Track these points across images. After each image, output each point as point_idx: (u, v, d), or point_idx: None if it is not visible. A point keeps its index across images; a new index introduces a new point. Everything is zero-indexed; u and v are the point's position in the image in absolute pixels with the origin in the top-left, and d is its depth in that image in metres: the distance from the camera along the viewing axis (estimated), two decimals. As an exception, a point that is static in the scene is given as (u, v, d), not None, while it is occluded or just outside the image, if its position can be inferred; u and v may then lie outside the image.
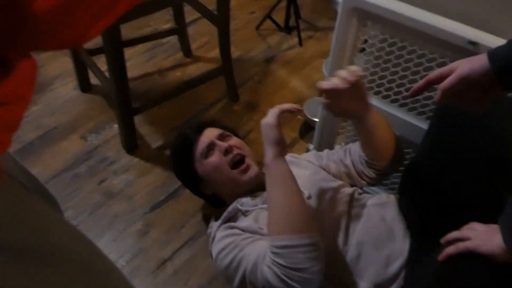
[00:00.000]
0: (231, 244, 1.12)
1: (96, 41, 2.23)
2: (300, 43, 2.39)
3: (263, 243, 1.06)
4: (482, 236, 0.83)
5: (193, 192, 1.46)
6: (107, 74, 1.67)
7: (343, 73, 1.05)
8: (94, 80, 2.06)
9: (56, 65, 2.17)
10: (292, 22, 2.46)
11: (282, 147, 1.09)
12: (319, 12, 2.65)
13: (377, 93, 1.31)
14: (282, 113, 1.10)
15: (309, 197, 1.17)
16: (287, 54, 2.33)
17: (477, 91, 0.81)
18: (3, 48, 0.45)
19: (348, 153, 1.30)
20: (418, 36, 1.12)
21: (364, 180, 1.27)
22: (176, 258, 1.44)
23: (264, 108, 1.91)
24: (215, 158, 1.27)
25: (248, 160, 1.29)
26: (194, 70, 2.19)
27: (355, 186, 1.28)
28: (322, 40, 2.44)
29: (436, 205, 1.07)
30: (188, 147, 1.33)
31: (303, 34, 2.42)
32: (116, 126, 1.86)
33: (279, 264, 0.96)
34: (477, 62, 0.79)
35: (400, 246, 1.09)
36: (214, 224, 1.25)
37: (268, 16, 2.45)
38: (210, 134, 1.33)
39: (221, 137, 1.33)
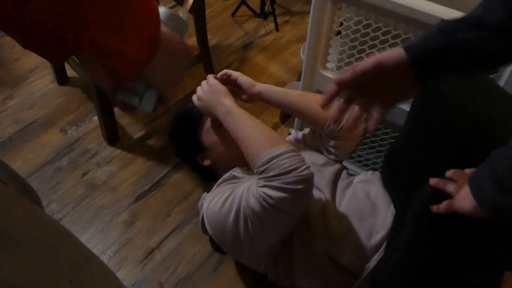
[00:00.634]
0: (222, 191, 1.17)
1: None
2: (277, 28, 2.40)
3: (249, 180, 1.12)
4: (460, 194, 0.83)
5: (188, 163, 1.49)
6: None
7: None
8: (70, 72, 2.04)
9: (31, 58, 2.14)
10: (267, 7, 2.46)
11: (232, 96, 1.22)
12: (294, -4, 2.66)
13: (354, 75, 1.33)
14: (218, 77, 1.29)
15: None
16: (264, 40, 2.33)
17: (394, 83, 0.81)
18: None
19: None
20: (391, 17, 1.14)
21: (331, 152, 1.32)
22: (163, 247, 1.45)
23: (244, 94, 1.92)
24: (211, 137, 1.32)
25: None
26: (172, 59, 2.18)
27: (339, 161, 1.34)
28: (298, 25, 2.45)
29: (416, 181, 1.11)
30: (198, 115, 1.35)
31: (279, 19, 2.43)
32: (96, 118, 1.85)
33: (271, 176, 1.01)
34: (395, 51, 0.78)
35: (383, 219, 1.14)
36: (206, 192, 1.29)
37: (243, 2, 2.44)
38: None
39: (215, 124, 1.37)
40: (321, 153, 1.36)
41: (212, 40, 2.25)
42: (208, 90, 1.24)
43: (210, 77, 1.28)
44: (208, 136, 1.34)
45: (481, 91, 0.99)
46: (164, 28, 0.58)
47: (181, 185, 1.63)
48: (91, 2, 0.48)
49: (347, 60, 1.33)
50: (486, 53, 0.72)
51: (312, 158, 1.31)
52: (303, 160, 1.04)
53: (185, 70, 0.65)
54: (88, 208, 1.56)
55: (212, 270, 1.39)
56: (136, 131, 1.83)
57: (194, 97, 1.29)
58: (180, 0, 1.81)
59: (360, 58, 1.29)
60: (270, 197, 1.00)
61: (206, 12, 1.81)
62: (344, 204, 1.18)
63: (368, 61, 0.81)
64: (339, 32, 1.31)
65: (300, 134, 1.46)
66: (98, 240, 1.47)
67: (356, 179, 1.28)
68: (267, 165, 1.02)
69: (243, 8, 2.48)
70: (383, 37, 1.20)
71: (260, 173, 1.04)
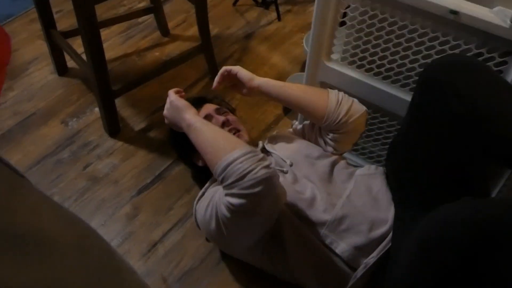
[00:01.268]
0: (207, 196, 1.19)
1: (70, 23, 2.18)
2: (279, 17, 2.37)
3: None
4: None
5: (186, 163, 1.56)
6: (83, 56, 1.63)
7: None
8: (70, 63, 2.01)
9: (30, 49, 2.12)
10: (269, -4, 2.43)
11: (192, 109, 1.23)
12: (296, -15, 2.62)
13: (359, 66, 1.32)
14: (178, 93, 1.30)
15: (291, 165, 1.26)
16: (266, 29, 2.30)
17: None
18: None
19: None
20: (398, 7, 1.12)
21: (329, 144, 1.32)
22: (166, 240, 1.44)
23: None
24: None
25: (242, 133, 1.36)
26: (172, 49, 2.16)
27: (338, 154, 1.33)
28: (300, 14, 2.41)
29: (416, 173, 1.10)
30: None
31: (281, 8, 2.39)
32: (96, 109, 1.83)
33: (230, 184, 1.02)
34: None
35: (384, 215, 1.13)
36: (200, 193, 1.29)
37: (245, -9, 2.41)
38: (209, 107, 1.40)
39: (218, 112, 1.39)
40: (319, 145, 1.35)
41: (213, 30, 2.22)
42: (170, 108, 1.26)
43: (171, 93, 1.29)
44: None
45: (483, 83, 0.98)
46: None
47: (183, 178, 1.61)
48: None
49: (352, 51, 1.31)
50: None
51: (307, 150, 1.31)
52: (260, 160, 1.03)
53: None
54: (90, 201, 1.55)
55: (216, 264, 1.38)
56: (137, 123, 1.81)
57: (164, 112, 1.30)
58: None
59: (366, 50, 1.27)
60: (233, 205, 1.02)
61: (207, 1, 1.77)
62: (344, 196, 1.17)
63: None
64: (343, 23, 1.29)
65: (299, 126, 1.45)
66: (101, 233, 1.43)
67: (358, 171, 1.27)
68: (224, 173, 1.03)
69: (245, -3, 2.45)
70: (390, 28, 1.18)
71: (221, 181, 1.05)
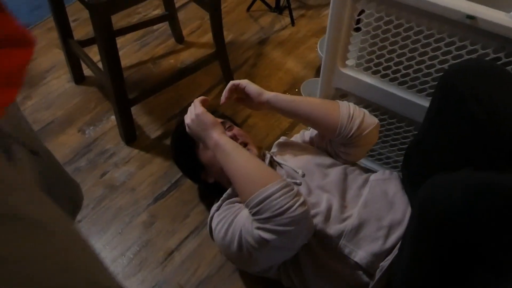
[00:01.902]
0: (226, 215, 1.16)
1: (86, 31, 2.20)
2: (293, 22, 2.36)
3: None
4: None
5: (194, 181, 1.50)
6: (99, 65, 1.65)
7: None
8: (87, 71, 2.04)
9: (47, 58, 2.15)
10: (282, 1, 2.43)
11: (220, 126, 1.21)
12: (310, -11, 2.61)
13: (375, 72, 1.31)
14: (204, 102, 1.27)
15: (303, 175, 1.24)
16: (280, 34, 2.30)
17: None
18: None
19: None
20: (414, 13, 1.11)
21: (340, 157, 1.32)
22: (183, 248, 1.44)
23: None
24: None
25: (250, 146, 1.32)
26: (187, 56, 2.17)
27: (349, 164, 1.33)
28: (314, 18, 2.41)
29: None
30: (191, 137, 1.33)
31: (294, 13, 2.39)
32: (113, 117, 1.85)
33: (265, 219, 1.00)
34: None
35: (401, 217, 1.12)
36: (214, 205, 1.27)
37: (259, -4, 2.41)
38: None
39: (224, 127, 1.33)
40: (330, 155, 1.35)
41: (227, 36, 2.23)
42: (196, 120, 1.23)
43: (197, 104, 1.25)
44: (203, 155, 1.33)
45: (503, 87, 0.96)
46: None
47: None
48: None
49: (367, 57, 1.30)
50: None
51: (319, 158, 1.29)
52: (296, 195, 1.02)
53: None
54: (107, 209, 1.56)
55: (232, 272, 1.38)
56: (153, 131, 1.82)
57: (186, 120, 1.27)
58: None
59: (381, 55, 1.26)
60: (265, 240, 1.01)
61: (221, 8, 1.78)
62: (360, 203, 1.16)
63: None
64: (357, 29, 1.28)
65: (307, 135, 1.44)
66: (118, 241, 1.47)
67: (373, 176, 1.25)
68: (259, 207, 1.01)
69: (258, 3, 2.45)
70: (405, 34, 1.16)
71: (253, 214, 1.04)
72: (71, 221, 0.66)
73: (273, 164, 1.31)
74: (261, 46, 2.23)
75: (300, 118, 1.30)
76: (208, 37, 2.22)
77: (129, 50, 2.20)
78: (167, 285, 1.36)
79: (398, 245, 1.08)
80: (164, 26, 2.28)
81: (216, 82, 2.02)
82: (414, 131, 1.34)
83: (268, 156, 1.32)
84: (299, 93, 1.89)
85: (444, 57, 1.14)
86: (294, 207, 0.99)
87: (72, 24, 1.88)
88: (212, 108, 1.61)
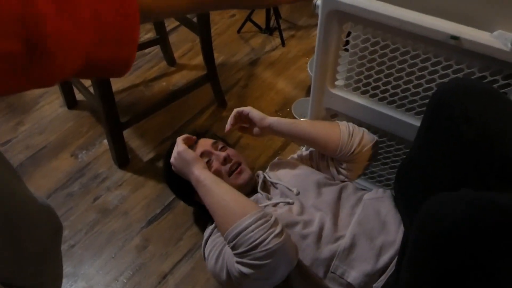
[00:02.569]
0: (217, 244, 1.16)
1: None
2: (283, 43, 2.39)
3: None
4: None
5: (187, 203, 1.49)
6: (91, 89, 1.66)
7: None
8: (79, 96, 2.05)
9: (39, 84, 2.15)
10: (272, 22, 2.46)
11: (200, 162, 1.23)
12: (298, 10, 2.65)
13: (364, 92, 1.32)
14: (187, 140, 1.30)
15: (298, 193, 1.25)
16: (271, 55, 2.33)
17: None
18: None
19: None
20: (399, 34, 1.13)
21: (342, 173, 1.34)
22: (176, 272, 1.44)
23: (253, 112, 1.92)
24: (215, 166, 1.29)
25: (243, 167, 1.33)
26: (179, 78, 2.19)
27: (346, 181, 1.33)
28: (304, 39, 2.44)
29: (426, 197, 1.09)
30: None
31: (284, 34, 2.42)
32: (105, 141, 1.85)
33: (241, 253, 1.01)
34: None
35: (393, 237, 1.12)
36: (208, 229, 1.27)
37: (249, 18, 2.45)
38: (205, 143, 1.35)
39: (216, 147, 1.36)
40: (331, 173, 1.36)
41: (218, 58, 2.25)
42: (178, 158, 1.25)
43: (179, 142, 1.27)
44: None
45: (493, 105, 0.97)
46: None
47: (193, 208, 1.62)
48: None
49: (356, 77, 1.32)
50: None
51: (313, 177, 1.30)
52: (271, 226, 1.01)
53: None
54: (100, 234, 1.56)
55: (227, 294, 1.37)
56: (145, 154, 1.82)
57: (171, 158, 1.29)
58: (187, 22, 1.81)
59: (369, 76, 1.28)
60: (244, 274, 1.02)
61: (212, 30, 1.81)
62: (353, 222, 1.16)
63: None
64: (347, 49, 1.30)
65: (306, 153, 1.45)
66: (111, 266, 1.46)
67: (366, 195, 1.26)
68: (234, 241, 1.02)
69: (249, 24, 2.48)
70: (392, 54, 1.18)
71: (231, 248, 1.05)
72: None
73: (266, 184, 1.32)
74: (252, 67, 2.25)
75: (302, 140, 1.32)
76: (200, 59, 2.24)
77: (121, 74, 2.21)
78: (161, 310, 1.35)
79: (391, 266, 1.08)
80: (155, 49, 2.30)
81: (208, 103, 2.03)
82: (404, 149, 1.36)
83: (261, 176, 1.33)
84: (290, 113, 1.90)
85: (431, 77, 1.16)
86: (268, 239, 0.98)
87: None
88: (204, 129, 1.62)
